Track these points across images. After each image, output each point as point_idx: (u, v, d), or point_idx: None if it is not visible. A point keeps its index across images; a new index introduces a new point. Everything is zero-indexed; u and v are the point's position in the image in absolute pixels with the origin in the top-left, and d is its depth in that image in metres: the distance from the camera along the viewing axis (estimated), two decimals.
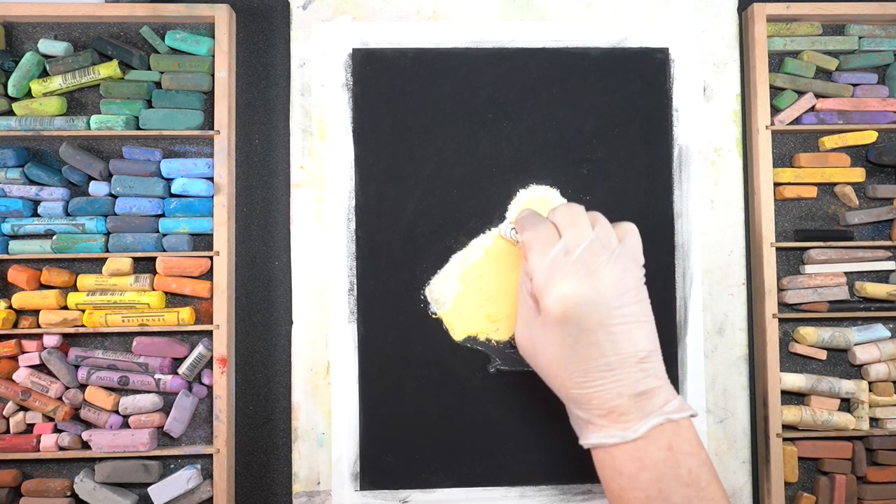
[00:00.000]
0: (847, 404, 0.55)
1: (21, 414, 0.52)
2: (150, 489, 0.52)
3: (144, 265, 0.54)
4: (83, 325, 0.52)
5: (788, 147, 0.57)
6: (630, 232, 0.45)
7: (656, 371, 0.42)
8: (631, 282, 0.42)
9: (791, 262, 0.56)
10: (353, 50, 0.55)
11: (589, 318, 0.41)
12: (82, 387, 0.53)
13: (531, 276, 0.43)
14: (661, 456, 0.40)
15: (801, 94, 0.56)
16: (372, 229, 0.54)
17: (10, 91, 0.53)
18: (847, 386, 0.54)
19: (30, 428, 0.53)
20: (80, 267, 0.54)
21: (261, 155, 0.56)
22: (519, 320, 0.45)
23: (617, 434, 0.41)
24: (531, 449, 0.54)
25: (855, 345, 0.54)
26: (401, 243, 0.54)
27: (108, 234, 0.53)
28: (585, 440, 0.43)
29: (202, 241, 0.55)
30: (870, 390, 0.55)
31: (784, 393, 0.54)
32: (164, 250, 0.53)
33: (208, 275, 0.54)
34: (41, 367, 0.53)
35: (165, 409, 0.53)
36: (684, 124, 0.55)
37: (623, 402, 0.41)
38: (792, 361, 0.56)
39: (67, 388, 0.52)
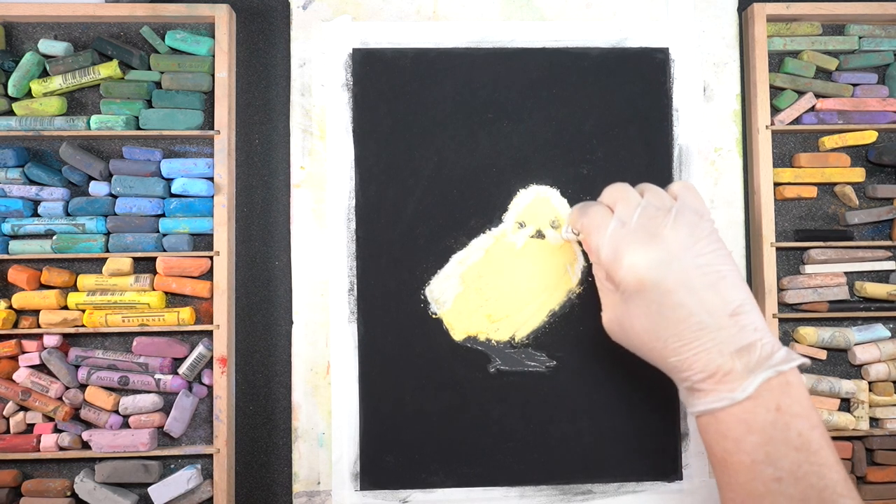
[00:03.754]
0: (847, 404, 0.55)
1: (21, 414, 0.53)
2: (150, 489, 0.52)
3: (144, 265, 0.54)
4: (83, 325, 0.52)
5: (788, 147, 0.57)
6: (684, 188, 0.44)
7: (754, 323, 0.40)
8: (700, 233, 0.41)
9: (791, 262, 0.56)
10: (353, 50, 0.55)
11: (665, 279, 0.40)
12: (82, 387, 0.53)
13: (597, 257, 0.43)
14: (769, 418, 0.38)
15: (801, 94, 0.56)
16: (372, 229, 0.54)
17: (10, 91, 0.53)
18: (847, 386, 0.54)
19: (30, 428, 0.53)
20: (81, 267, 0.54)
21: (261, 155, 0.56)
22: (604, 310, 0.45)
23: (725, 396, 0.39)
24: (531, 449, 0.54)
25: (855, 345, 0.54)
26: (401, 243, 0.54)
27: (108, 234, 0.53)
28: (693, 408, 0.41)
29: (202, 241, 0.55)
30: (870, 390, 0.55)
31: None
32: (165, 250, 0.53)
33: (208, 275, 0.54)
34: (41, 367, 0.53)
35: (165, 409, 0.53)
36: (684, 124, 0.55)
37: (725, 361, 0.39)
38: None
39: (67, 388, 0.52)
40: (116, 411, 0.52)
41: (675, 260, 0.40)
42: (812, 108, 0.56)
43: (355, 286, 0.54)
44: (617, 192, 0.44)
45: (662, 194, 0.44)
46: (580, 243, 0.54)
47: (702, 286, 0.40)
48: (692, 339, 0.40)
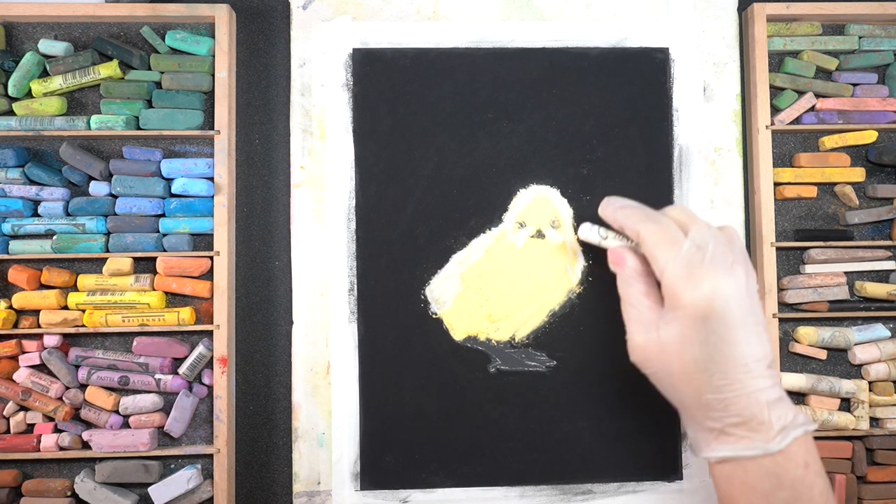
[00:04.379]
0: (847, 404, 0.55)
1: (21, 414, 0.53)
2: (150, 489, 0.52)
3: (145, 265, 0.54)
4: (83, 325, 0.52)
5: (788, 147, 0.57)
6: (736, 236, 0.44)
7: (778, 380, 0.41)
8: (753, 283, 0.41)
9: (791, 261, 0.56)
10: (354, 50, 0.55)
11: (733, 313, 0.39)
12: (82, 387, 0.53)
13: (662, 271, 0.41)
14: (798, 473, 0.38)
15: (801, 93, 0.56)
16: (372, 229, 0.54)
17: (11, 91, 0.53)
18: (847, 386, 0.54)
19: (30, 428, 0.53)
20: (81, 267, 0.54)
21: (261, 155, 0.56)
22: (635, 328, 0.43)
23: (759, 446, 0.38)
24: (531, 449, 0.54)
25: (855, 345, 0.54)
26: (401, 243, 0.54)
27: (108, 234, 0.53)
28: (715, 452, 0.40)
29: (202, 241, 0.55)
30: (870, 390, 0.55)
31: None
32: (165, 250, 0.53)
33: (208, 275, 0.54)
34: (41, 367, 0.53)
35: (166, 409, 0.53)
36: (684, 124, 0.55)
37: (761, 410, 0.39)
38: (792, 361, 0.56)
39: (68, 388, 0.52)
40: (116, 411, 0.52)
41: (742, 298, 0.40)
42: (812, 108, 0.56)
43: (355, 286, 0.54)
44: (687, 216, 0.43)
45: (724, 235, 0.43)
46: (582, 244, 0.54)
47: (754, 332, 0.40)
48: (737, 380, 0.39)
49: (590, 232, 0.47)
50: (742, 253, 0.42)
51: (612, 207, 0.45)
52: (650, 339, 0.42)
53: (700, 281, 0.39)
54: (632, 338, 0.43)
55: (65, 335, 0.53)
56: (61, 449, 0.52)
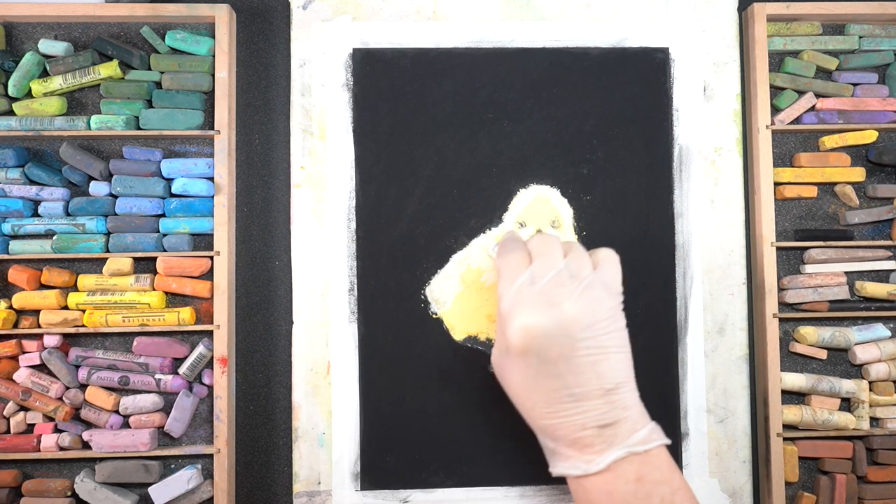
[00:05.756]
0: (847, 404, 0.55)
1: (21, 414, 0.53)
2: (150, 489, 0.52)
3: (145, 265, 0.54)
4: (83, 325, 0.52)
5: (788, 147, 0.57)
6: (606, 259, 0.43)
7: (624, 402, 0.41)
8: (601, 312, 0.41)
9: (791, 261, 0.56)
10: (354, 50, 0.55)
11: (549, 350, 0.40)
12: (83, 387, 0.53)
13: (498, 303, 0.43)
14: (629, 488, 0.40)
15: (801, 93, 0.56)
16: (372, 229, 0.54)
17: (11, 91, 0.53)
18: (847, 385, 0.54)
19: (30, 428, 0.53)
20: (81, 267, 0.54)
21: (261, 155, 0.56)
22: (495, 345, 0.45)
23: (581, 466, 0.40)
24: (531, 449, 0.53)
25: (855, 344, 0.54)
26: (401, 243, 0.54)
27: (108, 234, 0.53)
28: (553, 469, 0.42)
29: (202, 241, 0.55)
30: (870, 390, 0.55)
31: (784, 392, 0.54)
32: (165, 250, 0.53)
33: (209, 275, 0.54)
34: (41, 367, 0.53)
35: (166, 409, 0.53)
36: (684, 124, 0.55)
37: (587, 434, 0.40)
38: (792, 361, 0.56)
39: (68, 388, 0.52)
40: (117, 411, 0.52)
41: (564, 334, 0.40)
42: (812, 108, 0.56)
43: (355, 286, 0.54)
44: (542, 246, 0.43)
45: (584, 262, 0.43)
46: None
47: (583, 363, 0.40)
48: (560, 409, 0.41)
49: (493, 251, 0.50)
50: (594, 283, 0.41)
51: (502, 239, 0.46)
52: (497, 361, 0.44)
53: (515, 317, 0.40)
54: (492, 355, 0.45)
55: (65, 335, 0.53)
56: (61, 449, 0.52)
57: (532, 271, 0.42)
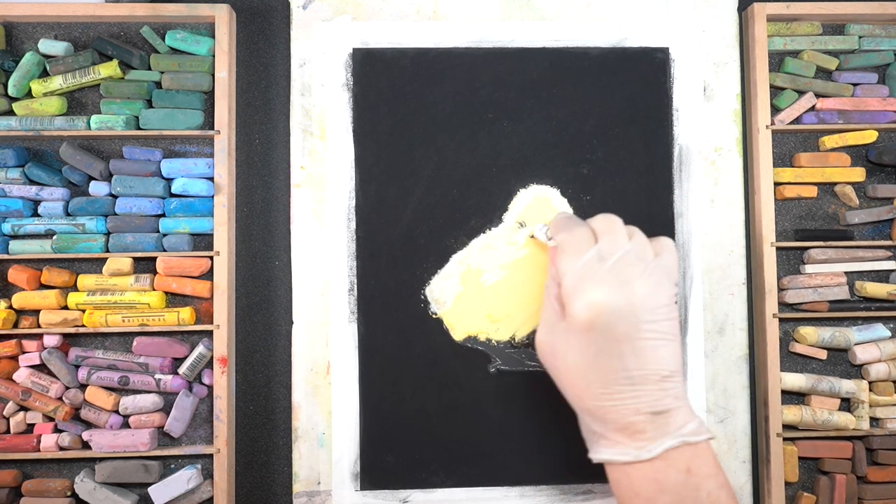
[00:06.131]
0: (847, 404, 0.55)
1: (21, 414, 0.53)
2: (150, 489, 0.52)
3: (145, 265, 0.54)
4: (83, 325, 0.52)
5: (788, 147, 0.57)
6: (667, 248, 0.44)
7: (676, 391, 0.41)
8: (663, 298, 0.41)
9: (791, 261, 0.56)
10: (354, 50, 0.55)
11: (616, 328, 0.40)
12: (82, 387, 0.53)
13: (561, 279, 0.42)
14: (679, 479, 0.39)
15: (801, 93, 0.56)
16: (372, 229, 0.54)
17: (11, 91, 0.53)
18: (847, 386, 0.54)
19: (30, 428, 0.53)
20: (81, 267, 0.54)
21: (261, 155, 0.56)
22: (541, 324, 0.44)
23: (631, 452, 0.40)
24: (531, 449, 0.54)
25: (855, 344, 0.54)
26: (401, 243, 0.54)
27: (108, 234, 0.53)
28: (597, 454, 0.42)
29: (202, 241, 0.55)
30: (870, 390, 0.55)
31: (784, 393, 0.54)
32: (165, 250, 0.53)
33: (208, 275, 0.54)
34: (41, 367, 0.53)
35: (166, 409, 0.53)
36: (684, 124, 0.55)
37: (640, 420, 0.40)
38: (792, 361, 0.56)
39: (68, 388, 0.52)
40: (116, 411, 0.52)
41: (632, 313, 0.40)
42: (812, 108, 0.56)
43: (355, 286, 0.54)
44: (607, 224, 0.43)
45: (647, 246, 0.43)
46: None
47: (645, 346, 0.40)
48: (617, 391, 0.40)
49: (539, 232, 0.50)
50: (658, 268, 0.42)
51: (555, 219, 0.47)
52: (546, 340, 0.44)
53: (584, 292, 0.40)
54: (537, 335, 0.45)
55: (65, 335, 0.53)
56: (61, 449, 0.52)
57: (600, 248, 0.42)
